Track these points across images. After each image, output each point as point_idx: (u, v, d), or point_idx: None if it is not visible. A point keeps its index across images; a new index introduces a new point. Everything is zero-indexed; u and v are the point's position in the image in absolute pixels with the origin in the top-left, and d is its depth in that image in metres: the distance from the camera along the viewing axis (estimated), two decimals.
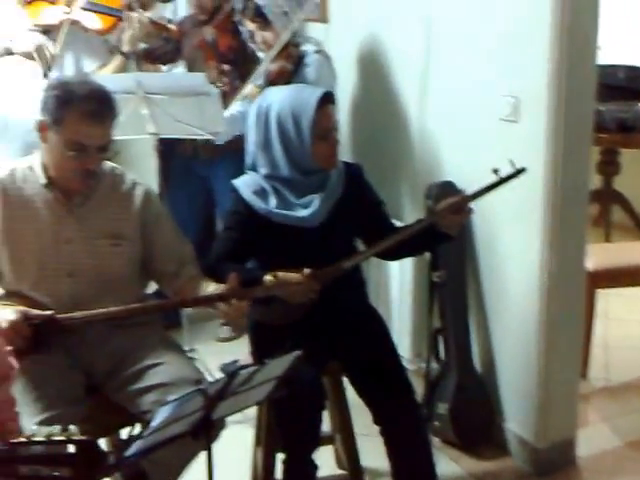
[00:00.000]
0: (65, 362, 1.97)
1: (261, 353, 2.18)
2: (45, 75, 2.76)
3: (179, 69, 3.31)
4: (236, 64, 3.09)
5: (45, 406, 1.83)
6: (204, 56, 3.12)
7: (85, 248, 2.00)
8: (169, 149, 3.04)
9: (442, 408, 2.64)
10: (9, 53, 2.81)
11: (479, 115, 2.59)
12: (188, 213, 3.26)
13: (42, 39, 2.78)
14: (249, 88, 2.80)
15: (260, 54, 2.91)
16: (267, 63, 2.80)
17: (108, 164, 2.09)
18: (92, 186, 2.01)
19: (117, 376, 1.98)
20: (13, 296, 2.00)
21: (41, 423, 1.76)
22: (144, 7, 3.57)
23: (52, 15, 2.84)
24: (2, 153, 2.91)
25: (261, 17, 2.79)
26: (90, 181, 1.98)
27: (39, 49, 2.74)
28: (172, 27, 3.14)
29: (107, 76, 2.86)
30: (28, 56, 2.77)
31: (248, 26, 2.84)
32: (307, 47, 2.89)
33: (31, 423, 1.71)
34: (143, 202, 2.07)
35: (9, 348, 1.61)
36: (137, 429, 1.48)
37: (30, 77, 2.81)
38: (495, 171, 2.02)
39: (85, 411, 1.90)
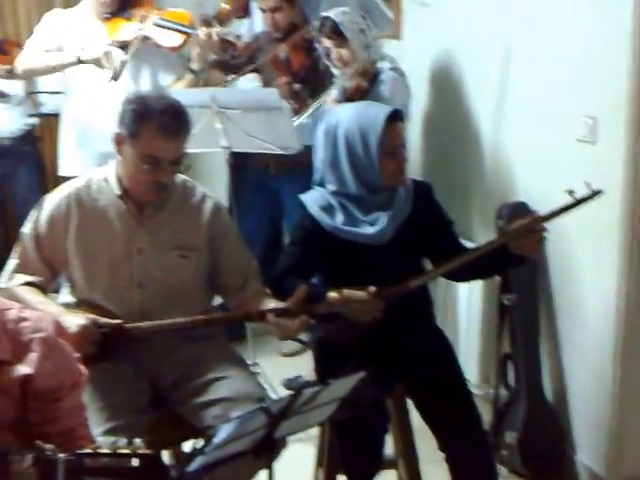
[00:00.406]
0: (131, 372, 1.99)
1: (324, 370, 2.16)
2: (114, 79, 2.81)
3: (252, 83, 3.35)
4: (308, 82, 3.11)
5: (110, 415, 1.86)
6: (276, 73, 3.15)
7: (155, 259, 2.03)
8: (240, 163, 3.07)
9: (510, 437, 2.57)
10: (80, 61, 2.89)
11: (555, 135, 2.52)
12: (256, 226, 3.30)
13: (111, 47, 2.84)
14: (327, 100, 2.80)
15: (335, 71, 2.91)
16: (344, 80, 2.81)
17: (180, 177, 2.12)
18: (164, 198, 2.04)
19: (182, 388, 2.00)
20: (84, 304, 2.04)
21: (106, 432, 1.78)
22: (221, 22, 3.65)
23: (128, 31, 2.91)
24: (81, 161, 3.01)
25: (338, 34, 2.80)
26: (162, 194, 2.01)
27: (107, 55, 2.81)
28: (240, 44, 3.17)
29: (183, 90, 2.92)
30: (97, 63, 2.84)
31: (324, 43, 2.85)
32: (382, 64, 2.88)
33: (96, 432, 1.73)
34: (212, 215, 2.09)
35: (78, 355, 1.63)
36: (200, 443, 1.48)
37: (112, 88, 2.90)
38: (570, 192, 1.95)
39: (149, 422, 1.92)
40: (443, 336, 2.25)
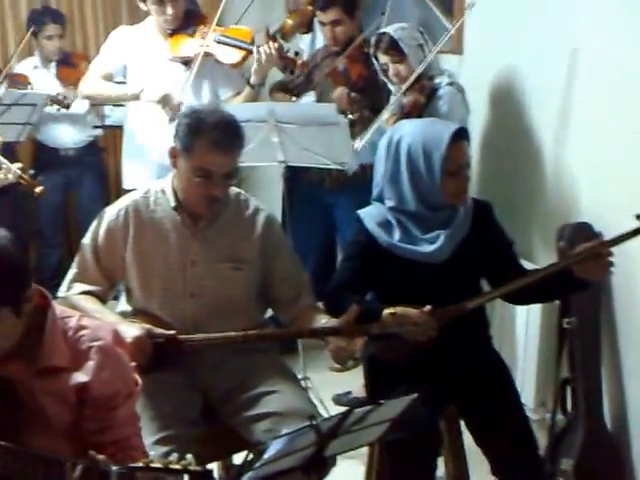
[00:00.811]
0: (184, 383, 2.01)
1: (375, 388, 2.15)
2: (171, 121, 2.87)
3: (309, 98, 3.37)
4: (366, 93, 3.10)
5: (162, 425, 1.87)
6: (334, 84, 3.16)
7: (208, 270, 2.05)
8: (295, 176, 3.08)
9: (566, 464, 2.49)
10: (136, 98, 2.98)
11: (621, 154, 2.44)
12: (309, 241, 3.30)
13: (168, 92, 2.92)
14: (384, 117, 2.79)
15: (392, 87, 2.90)
16: (400, 95, 2.79)
17: (234, 189, 2.14)
18: (217, 211, 2.06)
19: (233, 400, 2.00)
20: (140, 314, 2.07)
21: (157, 442, 1.80)
22: (284, 37, 3.68)
23: (190, 48, 2.96)
24: (142, 172, 3.07)
25: (395, 50, 2.79)
26: (215, 206, 2.04)
27: (165, 99, 2.89)
28: (299, 60, 3.19)
29: (241, 105, 2.95)
30: (155, 103, 2.94)
31: (381, 59, 2.85)
32: (440, 79, 2.86)
33: (148, 441, 1.75)
34: (264, 228, 2.10)
35: (134, 364, 1.65)
36: (249, 458, 1.48)
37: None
38: (638, 217, 1.88)
39: (200, 433, 1.93)
40: (499, 359, 2.20)
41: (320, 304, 2.11)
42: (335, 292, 2.08)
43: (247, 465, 1.38)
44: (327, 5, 3.15)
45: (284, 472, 1.42)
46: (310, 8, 3.74)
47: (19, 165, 2.64)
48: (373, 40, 2.88)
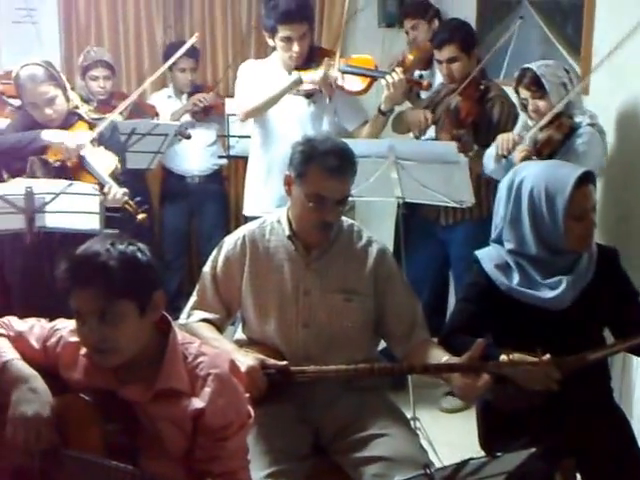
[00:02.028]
0: (295, 416, 2.02)
1: (489, 437, 2.09)
2: (330, 99, 2.93)
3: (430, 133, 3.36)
4: (476, 130, 3.08)
5: (272, 460, 1.88)
6: (446, 122, 3.15)
7: (320, 301, 2.06)
8: (410, 212, 3.08)
9: None
10: (301, 81, 3.01)
11: None
12: (422, 275, 3.28)
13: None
14: (519, 150, 2.75)
15: (530, 122, 2.85)
16: (536, 131, 2.74)
17: (347, 221, 2.15)
18: (329, 239, 2.07)
19: (342, 440, 1.99)
20: (255, 344, 2.11)
21: (267, 477, 1.81)
22: (404, 72, 3.69)
23: (314, 78, 3.02)
24: (263, 202, 3.14)
25: (537, 86, 2.74)
26: (327, 233, 2.05)
27: (326, 76, 2.92)
28: (425, 81, 3.19)
29: (362, 140, 2.98)
30: (316, 83, 2.97)
31: (522, 93, 2.81)
32: (581, 119, 2.78)
33: (257, 475, 1.77)
34: (377, 260, 2.09)
35: (248, 395, 1.68)
36: None
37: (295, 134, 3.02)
38: None
39: (309, 469, 1.93)
40: (620, 413, 2.11)
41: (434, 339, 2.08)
42: (450, 333, 2.05)
43: None
44: (443, 42, 3.16)
45: None
46: (430, 45, 3.76)
47: (124, 190, 2.72)
48: (516, 74, 2.85)
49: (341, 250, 2.09)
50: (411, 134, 3.46)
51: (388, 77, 2.96)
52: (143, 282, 1.56)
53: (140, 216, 2.73)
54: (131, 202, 2.72)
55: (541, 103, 2.75)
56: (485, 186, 3.15)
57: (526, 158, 2.59)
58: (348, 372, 1.97)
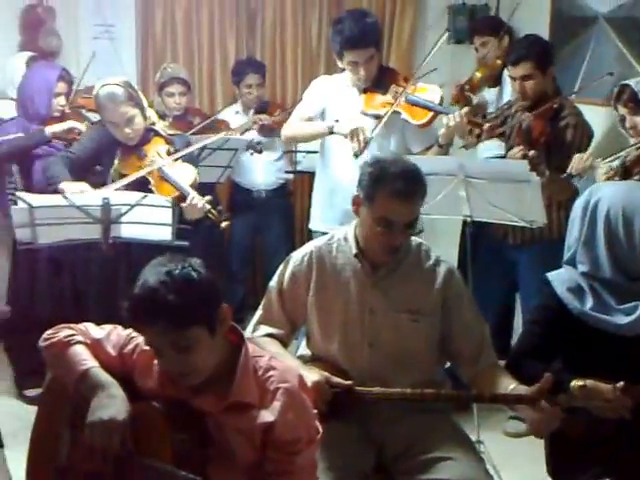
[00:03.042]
0: (358, 435, 2.01)
1: (557, 464, 2.04)
2: (355, 156, 2.93)
3: (493, 143, 3.32)
4: (548, 151, 3.02)
5: (335, 477, 1.87)
6: (516, 140, 3.10)
7: (386, 320, 2.05)
8: (477, 231, 3.04)
9: None
10: (331, 132, 3.06)
11: None
12: (489, 296, 3.21)
13: (360, 124, 2.97)
14: (604, 169, 2.70)
15: (632, 140, 2.79)
16: (633, 149, 2.69)
17: (415, 240, 2.13)
18: (397, 260, 2.05)
19: (406, 461, 1.97)
20: (319, 360, 2.11)
21: None
22: (472, 90, 3.68)
23: (381, 104, 3.04)
24: (328, 217, 3.17)
25: (635, 103, 2.69)
26: (394, 256, 2.03)
27: (354, 132, 2.95)
28: (485, 125, 3.15)
29: (431, 158, 2.97)
30: (345, 137, 2.99)
31: (620, 110, 2.76)
32: None
33: None
34: (445, 280, 2.06)
35: (316, 411, 1.68)
36: None
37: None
38: None
39: None
40: None
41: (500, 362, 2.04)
42: (518, 357, 2.01)
43: None
44: (519, 59, 3.10)
45: None
46: (499, 62, 3.73)
47: (208, 198, 2.79)
48: (615, 90, 2.81)
49: (409, 270, 2.07)
50: (481, 150, 3.43)
51: (450, 116, 2.94)
52: (206, 304, 1.56)
53: (224, 224, 2.80)
54: (214, 211, 2.79)
55: (639, 120, 2.69)
56: (557, 206, 3.09)
57: (609, 179, 2.54)
58: (414, 396, 1.95)
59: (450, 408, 2.14)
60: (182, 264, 1.56)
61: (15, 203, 2.64)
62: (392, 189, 1.95)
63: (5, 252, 3.55)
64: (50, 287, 3.41)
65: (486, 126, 3.13)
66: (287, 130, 3.28)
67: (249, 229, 4.23)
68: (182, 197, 2.79)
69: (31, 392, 3.31)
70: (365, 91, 3.08)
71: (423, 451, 1.95)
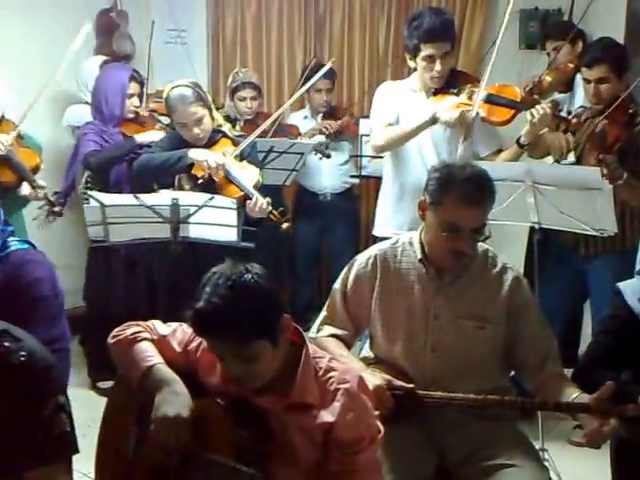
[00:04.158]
0: (420, 439, 2.00)
1: (623, 474, 2.00)
2: (465, 139, 2.87)
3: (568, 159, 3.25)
4: (625, 157, 2.93)
5: (396, 479, 1.87)
6: (589, 146, 3.02)
7: (450, 326, 2.04)
8: (546, 238, 2.98)
9: None
10: (434, 121, 2.96)
11: None
12: (556, 304, 3.16)
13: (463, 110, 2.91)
14: None
15: None
16: None
17: (482, 246, 2.10)
18: (463, 266, 2.03)
19: (469, 466, 1.96)
20: (381, 363, 2.11)
21: None
22: (541, 95, 3.59)
23: (455, 105, 2.98)
24: (395, 223, 3.15)
25: None
26: (460, 262, 2.01)
27: (462, 115, 2.86)
28: (573, 119, 3.07)
29: (498, 164, 2.92)
30: (450, 124, 2.92)
31: None
32: None
33: None
34: (512, 287, 2.04)
35: (376, 412, 1.68)
36: None
37: (430, 157, 3.01)
38: None
39: None
40: None
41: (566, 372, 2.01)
42: (587, 366, 1.98)
43: None
44: (594, 61, 3.02)
45: None
46: (572, 66, 3.61)
47: (268, 200, 2.83)
48: None
49: (474, 276, 2.05)
50: (549, 158, 3.36)
51: (534, 111, 2.86)
52: (268, 318, 1.56)
53: (284, 225, 2.84)
54: (275, 212, 2.83)
55: None
56: (630, 216, 3.01)
57: None
58: (477, 402, 1.93)
59: (515, 416, 2.11)
60: (244, 274, 1.55)
61: (87, 201, 2.72)
62: (460, 194, 1.93)
63: (83, 250, 3.67)
64: (125, 285, 3.52)
65: (574, 120, 3.03)
66: (377, 140, 3.13)
67: (315, 232, 4.26)
68: (246, 197, 2.84)
69: (104, 384, 3.42)
70: (435, 93, 3.03)
71: (487, 457, 1.93)
